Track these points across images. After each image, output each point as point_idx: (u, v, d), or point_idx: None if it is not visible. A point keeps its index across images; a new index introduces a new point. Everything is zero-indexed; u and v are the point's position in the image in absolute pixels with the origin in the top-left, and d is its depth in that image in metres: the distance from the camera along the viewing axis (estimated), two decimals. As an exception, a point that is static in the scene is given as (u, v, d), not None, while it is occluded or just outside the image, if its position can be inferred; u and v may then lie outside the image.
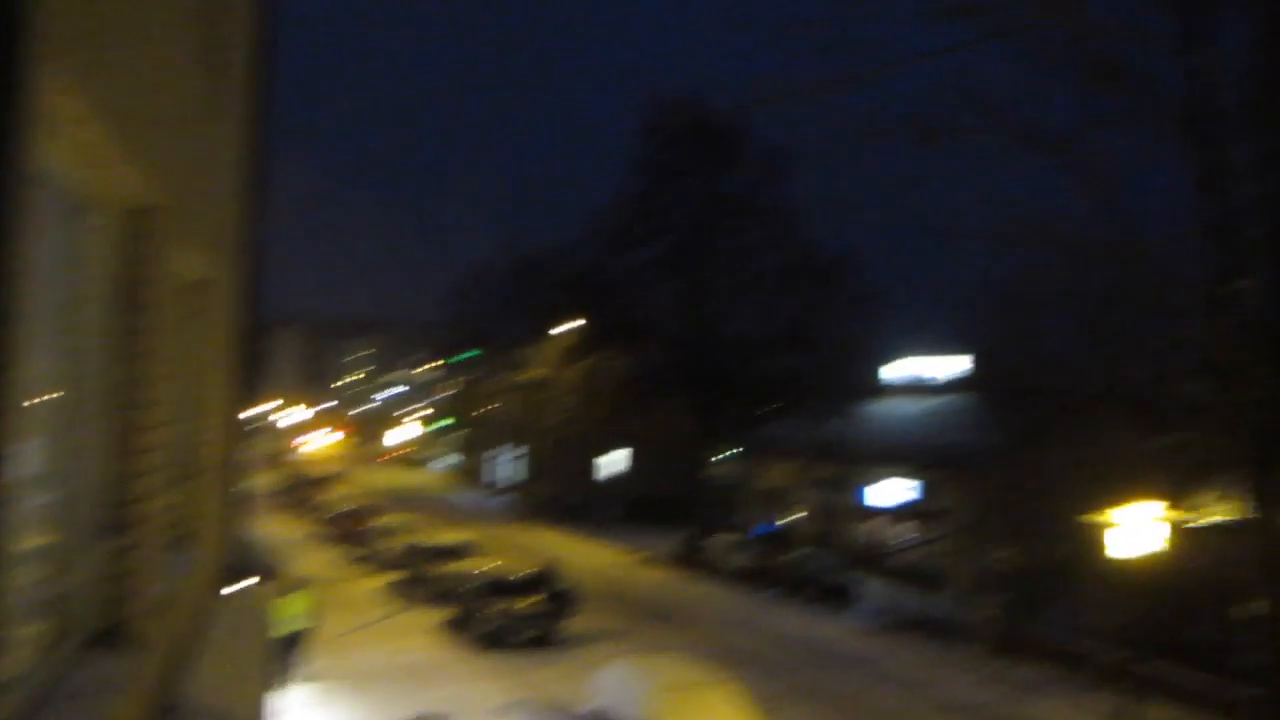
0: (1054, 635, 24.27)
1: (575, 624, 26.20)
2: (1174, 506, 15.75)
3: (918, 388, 37.73)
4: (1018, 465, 22.38)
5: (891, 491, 34.15)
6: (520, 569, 28.18)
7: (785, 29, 12.32)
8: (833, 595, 31.37)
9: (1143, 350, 14.47)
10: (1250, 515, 11.72)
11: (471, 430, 68.16)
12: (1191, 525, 17.12)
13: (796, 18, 12.27)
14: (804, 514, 38.85)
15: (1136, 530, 14.98)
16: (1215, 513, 17.04)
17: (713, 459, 41.98)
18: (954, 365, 35.70)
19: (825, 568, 32.90)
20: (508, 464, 60.63)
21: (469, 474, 68.56)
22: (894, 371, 39.56)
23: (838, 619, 29.73)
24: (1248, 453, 11.26)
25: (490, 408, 61.04)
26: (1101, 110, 12.39)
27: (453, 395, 72.37)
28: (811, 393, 37.39)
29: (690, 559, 37.91)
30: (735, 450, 42.49)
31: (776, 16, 12.99)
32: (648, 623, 28.29)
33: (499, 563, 29.94)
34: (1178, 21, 11.66)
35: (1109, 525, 15.21)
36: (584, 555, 39.00)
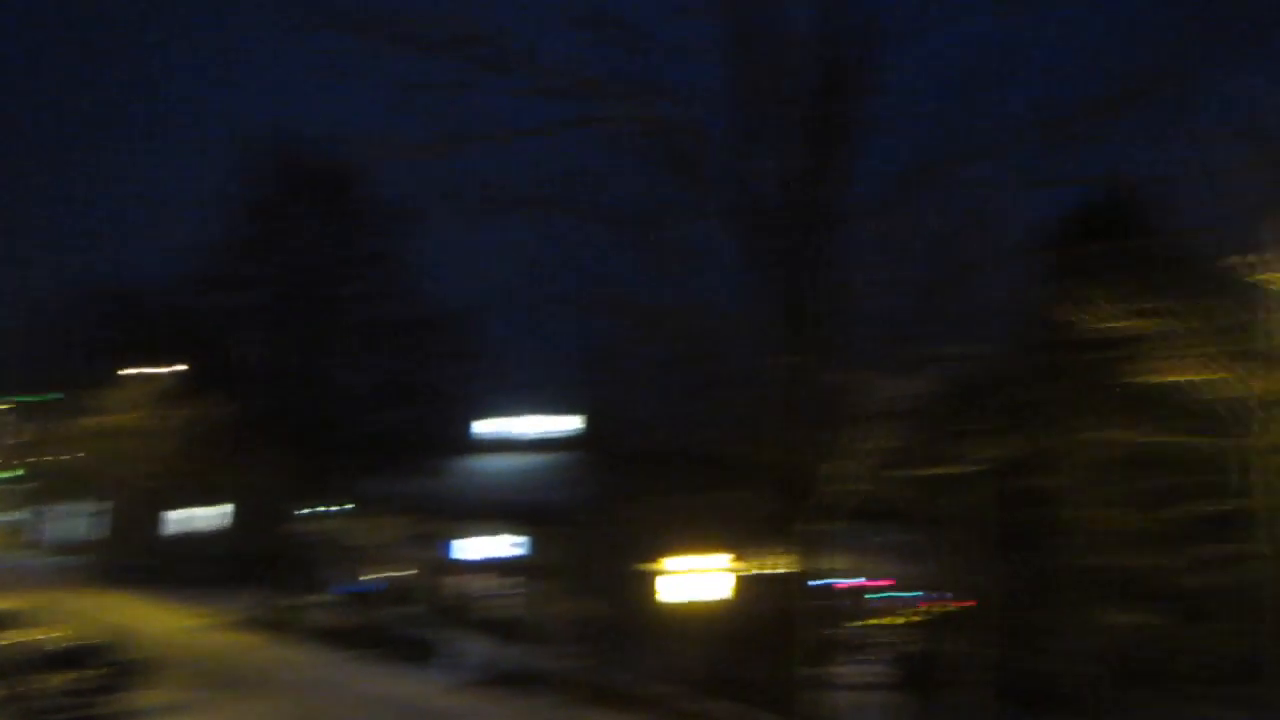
0: (637, 681, 25.70)
1: (138, 698, 23.96)
2: (738, 557, 17.48)
3: (524, 445, 38.90)
4: (610, 520, 23.74)
5: (495, 546, 34.77)
6: (77, 639, 25.38)
7: (406, 88, 12.55)
8: (423, 652, 31.18)
9: (710, 416, 16.00)
10: (788, 565, 13.25)
11: (41, 482, 60.71)
12: (756, 573, 19.02)
13: (417, 79, 12.56)
14: (403, 570, 38.43)
15: (703, 578, 16.42)
16: (776, 563, 19.08)
17: (312, 514, 40.52)
18: (562, 424, 37.23)
19: (417, 624, 32.70)
20: (82, 520, 54.61)
21: (32, 531, 60.92)
22: (501, 428, 40.47)
23: (428, 676, 29.49)
24: (783, 508, 12.78)
25: (66, 456, 54.85)
26: (677, 197, 13.71)
27: (18, 442, 64.29)
28: (420, 447, 37.36)
29: (277, 620, 36.11)
30: (340, 505, 41.29)
31: (398, 75, 13.22)
32: (222, 692, 26.44)
33: (52, 633, 26.77)
34: (736, 126, 13.23)
35: (678, 573, 16.55)
36: (160, 621, 35.85)
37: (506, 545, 34.20)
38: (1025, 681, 25.30)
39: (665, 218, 13.58)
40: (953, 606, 22.17)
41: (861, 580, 40.61)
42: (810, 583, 13.83)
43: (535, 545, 31.77)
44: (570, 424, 34.99)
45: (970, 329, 15.89)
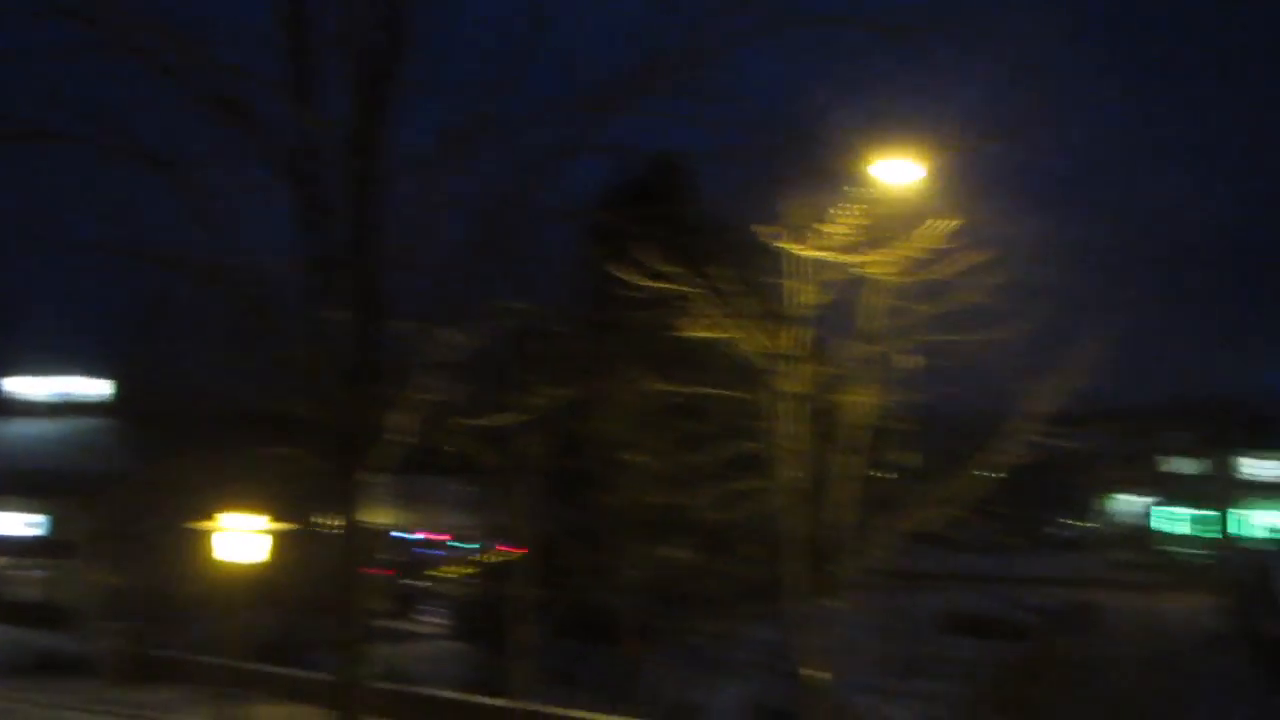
0: (187, 653, 24.26)
1: None
2: (294, 515, 16.88)
3: (48, 409, 34.81)
4: (149, 487, 22.05)
5: (13, 522, 30.88)
6: None
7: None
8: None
9: (261, 371, 15.31)
10: (341, 521, 13.05)
11: None
12: (314, 531, 18.50)
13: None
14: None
15: (257, 539, 15.66)
16: (333, 520, 18.69)
17: None
18: (93, 385, 33.69)
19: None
20: None
21: None
22: (20, 391, 35.84)
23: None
24: (335, 465, 12.58)
25: None
26: (216, 138, 12.87)
27: None
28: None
29: None
30: None
31: None
32: None
33: None
34: (288, 70, 12.66)
35: (230, 536, 15.67)
36: None
37: (27, 520, 30.60)
38: (582, 616, 27.06)
39: (211, 161, 12.75)
40: (511, 553, 23.10)
41: (423, 533, 41.13)
42: (370, 538, 13.77)
43: (64, 518, 28.72)
44: (102, 385, 31.75)
45: (523, 284, 16.49)
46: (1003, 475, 15.91)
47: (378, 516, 13.54)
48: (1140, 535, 70.14)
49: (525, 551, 23.77)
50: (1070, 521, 72.75)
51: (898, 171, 13.47)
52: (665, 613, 26.86)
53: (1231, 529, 68.92)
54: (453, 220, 12.93)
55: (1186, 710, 26.02)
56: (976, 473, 15.80)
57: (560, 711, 21.15)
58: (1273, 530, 65.05)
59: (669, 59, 11.91)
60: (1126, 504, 74.68)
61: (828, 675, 15.53)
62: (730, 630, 27.95)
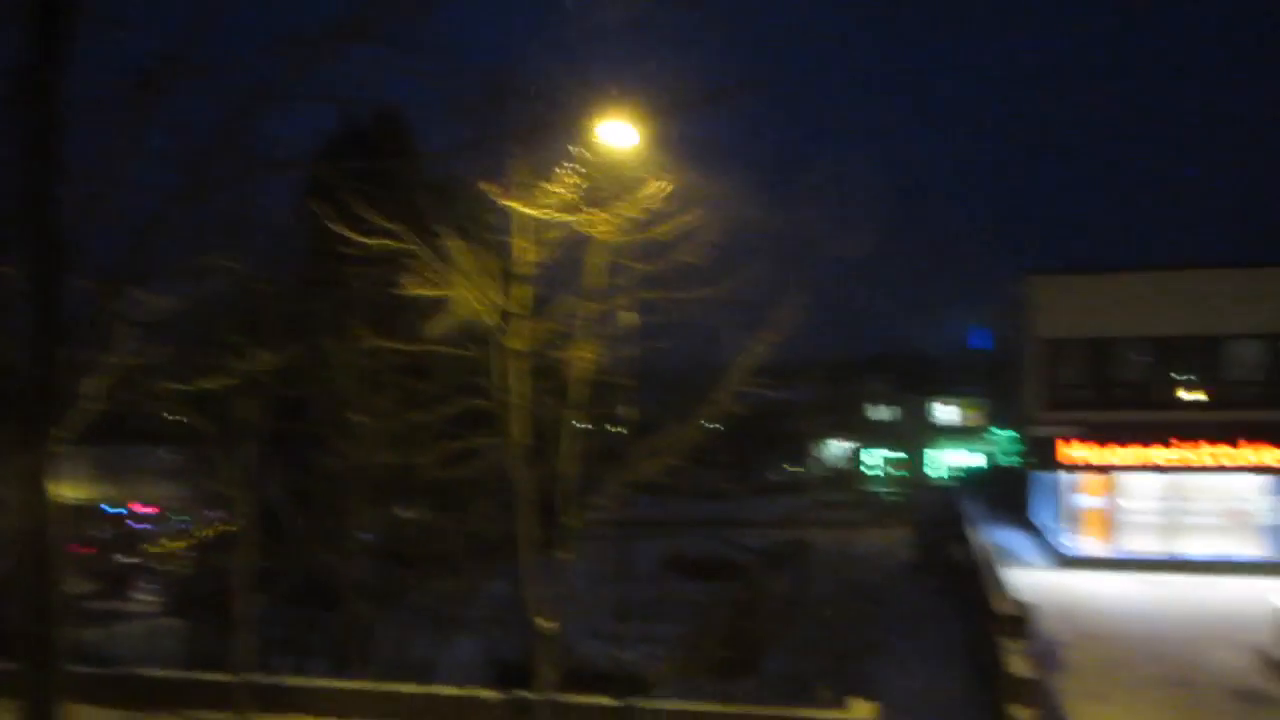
0: None
1: None
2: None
3: None
4: None
5: None
6: None
7: None
8: None
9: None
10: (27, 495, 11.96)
11: None
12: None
13: None
14: None
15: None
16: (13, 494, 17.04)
17: None
18: None
19: None
20: None
21: None
22: None
23: None
24: (17, 434, 11.51)
25: None
26: None
27: None
28: None
29: None
30: None
31: None
32: None
33: None
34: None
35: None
36: None
37: None
38: (311, 583, 26.27)
39: None
40: (226, 524, 22.00)
41: (133, 506, 38.38)
42: (64, 512, 12.71)
43: None
44: None
45: (231, 239, 15.64)
46: (720, 426, 16.77)
47: (77, 490, 12.49)
48: (846, 477, 76.09)
49: (240, 521, 22.73)
50: (784, 466, 77.74)
51: (618, 134, 13.77)
52: (397, 574, 26.56)
53: (923, 468, 76.18)
54: (153, 170, 11.98)
55: (882, 632, 28.57)
56: (695, 424, 16.58)
57: (281, 681, 20.51)
58: (954, 468, 72.49)
59: (381, 5, 11.47)
60: (834, 449, 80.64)
61: (557, 624, 15.95)
62: (464, 587, 28.01)
